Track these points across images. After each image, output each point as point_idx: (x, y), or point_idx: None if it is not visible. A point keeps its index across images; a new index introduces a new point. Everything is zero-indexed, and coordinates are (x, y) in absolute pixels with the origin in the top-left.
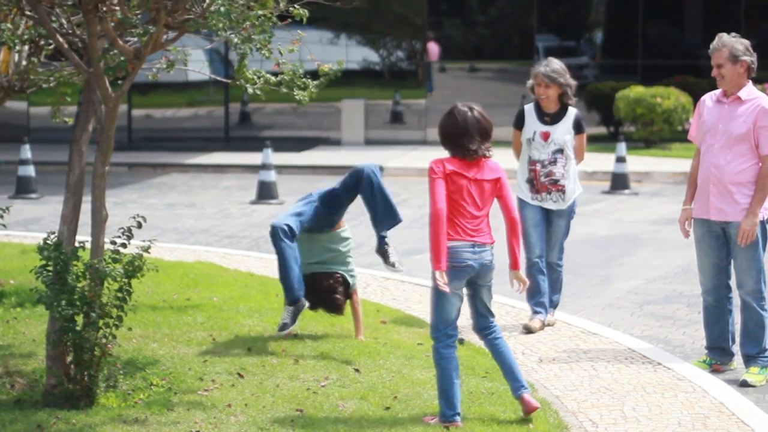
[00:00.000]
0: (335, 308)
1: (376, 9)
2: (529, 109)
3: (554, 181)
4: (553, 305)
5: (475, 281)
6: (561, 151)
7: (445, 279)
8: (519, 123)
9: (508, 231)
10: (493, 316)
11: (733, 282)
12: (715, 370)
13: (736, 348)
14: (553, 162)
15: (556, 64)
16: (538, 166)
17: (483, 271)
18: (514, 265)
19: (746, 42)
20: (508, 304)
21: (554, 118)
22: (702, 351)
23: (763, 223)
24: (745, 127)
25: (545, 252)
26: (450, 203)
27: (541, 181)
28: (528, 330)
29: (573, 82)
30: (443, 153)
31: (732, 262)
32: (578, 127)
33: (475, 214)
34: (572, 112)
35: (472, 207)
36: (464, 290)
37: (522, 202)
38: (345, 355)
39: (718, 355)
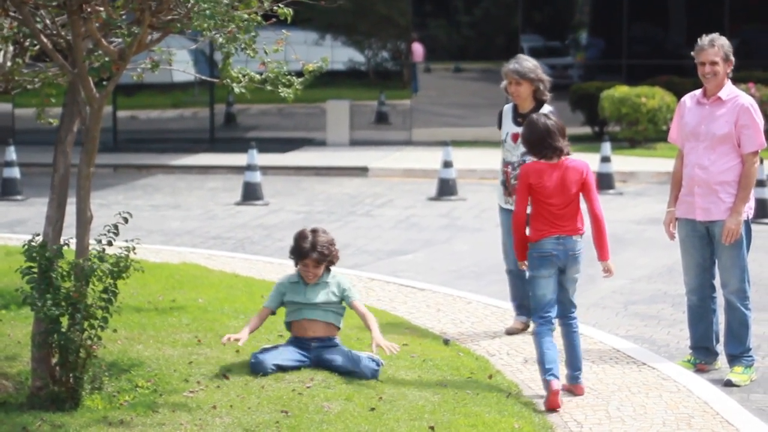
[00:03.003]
0: None
1: (360, 10)
2: (507, 109)
3: None
4: (526, 311)
5: (563, 270)
6: None
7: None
8: (499, 123)
9: (591, 226)
10: (574, 306)
11: (717, 282)
12: (699, 370)
13: (720, 348)
14: (523, 164)
15: (526, 60)
16: (509, 168)
17: (569, 261)
18: (600, 257)
19: (729, 43)
20: (492, 304)
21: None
22: (686, 351)
23: (747, 222)
24: (728, 127)
25: None
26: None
27: (512, 183)
28: (509, 332)
29: (546, 78)
30: (429, 153)
31: (716, 261)
32: None
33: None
34: (544, 110)
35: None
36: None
37: (499, 207)
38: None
39: (702, 355)
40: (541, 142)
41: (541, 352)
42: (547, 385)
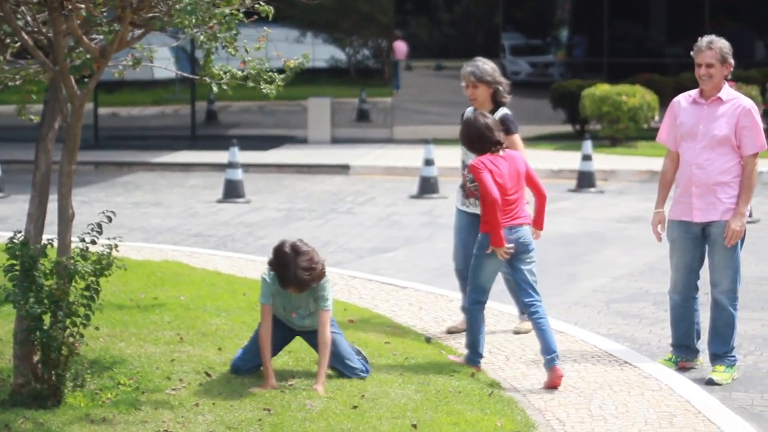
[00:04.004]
0: None
1: (342, 7)
2: (469, 112)
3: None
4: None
5: (514, 259)
6: None
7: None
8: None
9: (536, 202)
10: (538, 294)
11: (701, 282)
12: (681, 368)
13: (702, 345)
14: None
15: (483, 63)
16: (466, 171)
17: (521, 249)
18: (538, 226)
19: (729, 45)
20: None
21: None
22: (668, 349)
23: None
24: (727, 128)
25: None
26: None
27: (468, 186)
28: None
29: (504, 81)
30: (410, 151)
31: (705, 262)
32: (505, 130)
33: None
34: (501, 112)
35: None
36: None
37: (456, 208)
38: (312, 354)
39: (683, 353)
40: (480, 138)
41: (475, 337)
42: (474, 366)
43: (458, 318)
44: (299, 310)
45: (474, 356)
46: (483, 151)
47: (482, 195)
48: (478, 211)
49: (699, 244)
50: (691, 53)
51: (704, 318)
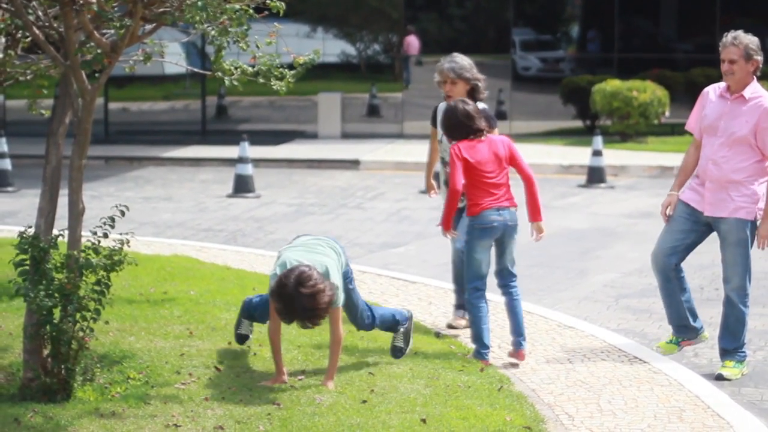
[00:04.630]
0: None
1: (352, 2)
2: (442, 108)
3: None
4: (462, 306)
5: (500, 241)
6: None
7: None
8: (433, 120)
9: (525, 189)
10: (514, 276)
11: (716, 276)
12: (685, 346)
13: (699, 323)
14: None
15: (461, 59)
16: (449, 169)
17: (507, 231)
18: (533, 218)
19: (757, 41)
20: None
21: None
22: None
23: (753, 222)
24: (747, 128)
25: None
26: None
27: None
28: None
29: (481, 77)
30: (421, 146)
31: (721, 257)
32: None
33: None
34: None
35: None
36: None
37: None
38: (322, 349)
39: (682, 333)
40: (460, 125)
41: (479, 329)
42: (480, 359)
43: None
44: None
45: (481, 349)
46: (463, 139)
47: (449, 180)
48: (460, 204)
49: (696, 231)
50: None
51: (716, 313)
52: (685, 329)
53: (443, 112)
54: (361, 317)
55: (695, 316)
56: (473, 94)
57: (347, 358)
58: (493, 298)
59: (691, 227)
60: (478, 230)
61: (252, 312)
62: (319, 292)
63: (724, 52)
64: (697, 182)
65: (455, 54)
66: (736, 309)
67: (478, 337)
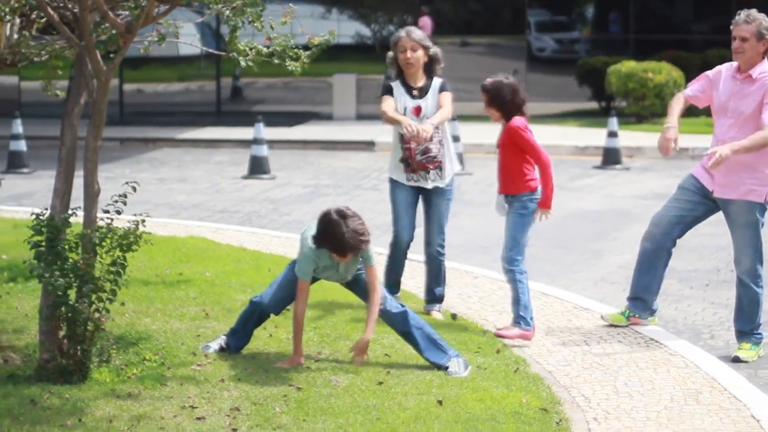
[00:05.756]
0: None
1: None
2: (397, 85)
3: (432, 158)
4: (438, 299)
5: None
6: (435, 126)
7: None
8: (388, 92)
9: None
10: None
11: (730, 259)
12: (632, 324)
13: (657, 304)
14: (428, 138)
15: (417, 31)
16: (413, 144)
17: None
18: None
19: None
20: (500, 279)
21: (423, 91)
22: (695, 326)
23: (763, 205)
24: (754, 105)
25: (429, 238)
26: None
27: (417, 160)
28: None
29: (438, 48)
30: None
31: (731, 240)
32: (441, 88)
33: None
34: (437, 81)
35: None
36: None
37: (395, 183)
38: (338, 330)
39: (638, 308)
40: (522, 101)
41: (528, 299)
42: (527, 329)
43: (482, 293)
44: (347, 275)
45: (526, 317)
46: (516, 113)
47: (538, 157)
48: (426, 184)
49: (705, 205)
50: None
51: (732, 295)
52: (643, 305)
53: (501, 87)
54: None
55: (655, 294)
56: (431, 65)
57: None
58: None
59: (699, 200)
60: (534, 204)
61: (261, 307)
62: (357, 215)
63: (736, 30)
64: (706, 160)
65: (409, 27)
66: (750, 290)
67: (526, 306)
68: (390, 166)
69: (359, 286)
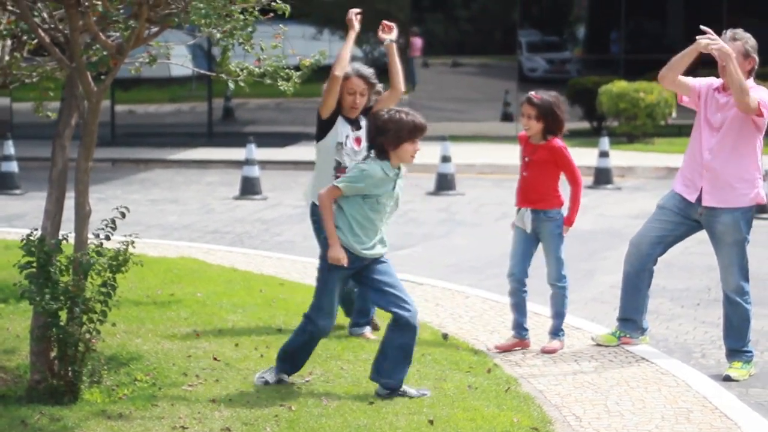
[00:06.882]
0: None
1: (358, 4)
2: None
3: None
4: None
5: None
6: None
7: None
8: (326, 127)
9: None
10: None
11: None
12: (624, 344)
13: (647, 323)
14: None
15: (367, 70)
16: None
17: None
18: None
19: (755, 42)
20: (491, 299)
21: (358, 123)
22: (686, 345)
23: (750, 213)
24: (738, 122)
25: None
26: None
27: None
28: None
29: (381, 86)
30: (427, 148)
31: (716, 257)
32: (366, 113)
33: None
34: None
35: None
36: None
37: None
38: (329, 350)
39: (629, 328)
40: (563, 114)
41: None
42: (563, 338)
43: (473, 313)
44: (400, 192)
45: (563, 328)
46: (559, 131)
47: (576, 177)
48: None
49: (686, 225)
50: None
51: (721, 315)
52: (633, 325)
53: (554, 103)
54: None
55: (643, 313)
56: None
57: (354, 360)
58: (499, 298)
59: (681, 221)
60: (561, 219)
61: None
62: None
63: None
64: (689, 171)
65: (355, 63)
66: (739, 307)
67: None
68: (311, 191)
69: (378, 282)
